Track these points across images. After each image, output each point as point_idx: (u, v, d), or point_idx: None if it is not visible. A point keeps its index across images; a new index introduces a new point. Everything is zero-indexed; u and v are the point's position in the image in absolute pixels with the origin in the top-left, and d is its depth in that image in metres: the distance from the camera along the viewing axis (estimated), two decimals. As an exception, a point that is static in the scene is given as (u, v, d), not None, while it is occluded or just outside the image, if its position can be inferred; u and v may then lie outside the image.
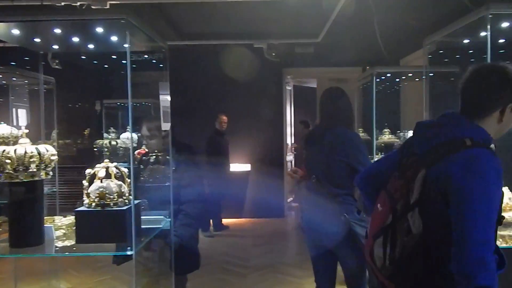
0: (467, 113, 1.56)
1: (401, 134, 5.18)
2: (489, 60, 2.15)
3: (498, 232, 2.23)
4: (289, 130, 8.76)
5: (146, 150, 3.17)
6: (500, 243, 2.33)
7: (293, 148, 8.99)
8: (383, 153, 4.68)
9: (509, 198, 2.52)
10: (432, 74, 4.35)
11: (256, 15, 5.67)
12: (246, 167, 7.86)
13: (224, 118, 6.86)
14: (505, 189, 2.51)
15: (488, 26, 2.06)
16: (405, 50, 6.01)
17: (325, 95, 2.87)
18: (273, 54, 6.84)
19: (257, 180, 7.81)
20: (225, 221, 7.28)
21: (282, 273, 4.96)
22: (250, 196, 7.91)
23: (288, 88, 8.61)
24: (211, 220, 6.93)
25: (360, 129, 5.35)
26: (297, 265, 5.15)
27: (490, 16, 2.05)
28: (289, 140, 8.78)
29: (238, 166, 7.82)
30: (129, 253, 2.17)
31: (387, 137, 5.18)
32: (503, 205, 2.45)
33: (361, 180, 1.87)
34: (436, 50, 3.35)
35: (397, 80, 5.24)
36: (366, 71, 4.35)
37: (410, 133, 4.34)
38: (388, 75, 4.56)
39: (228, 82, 7.63)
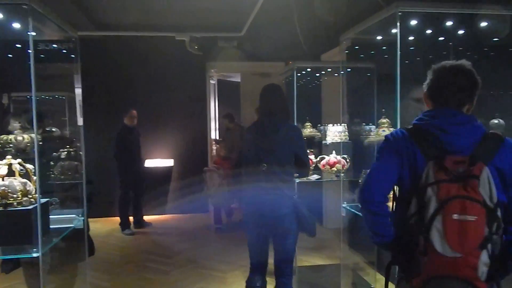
0: (461, 109, 1.72)
1: (322, 127, 5.33)
2: (398, 57, 2.26)
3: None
4: (213, 125, 8.70)
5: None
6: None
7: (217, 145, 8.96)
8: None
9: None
10: (349, 70, 4.53)
11: (178, 6, 5.53)
12: (169, 162, 7.69)
13: (134, 113, 6.56)
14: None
15: (398, 24, 2.17)
16: (326, 45, 6.20)
17: (266, 90, 3.19)
18: (196, 47, 6.74)
19: (181, 175, 7.69)
20: (147, 218, 7.07)
21: (205, 268, 4.92)
22: (173, 192, 7.77)
23: (212, 82, 8.54)
24: (131, 218, 6.71)
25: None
26: (221, 259, 5.14)
27: (399, 13, 2.15)
28: (213, 134, 8.72)
29: (160, 162, 7.63)
30: (35, 255, 2.00)
31: (308, 130, 5.31)
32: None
33: (383, 197, 1.73)
34: (352, 46, 3.48)
35: (317, 75, 5.39)
36: (287, 66, 4.43)
37: (330, 127, 4.50)
38: (309, 69, 4.67)
39: (149, 76, 7.41)
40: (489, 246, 1.52)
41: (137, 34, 6.89)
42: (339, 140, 4.34)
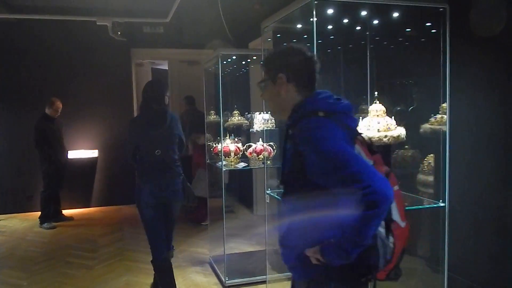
0: None
1: (249, 115, 5.34)
2: (315, 46, 2.29)
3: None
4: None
5: None
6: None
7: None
8: (232, 135, 4.77)
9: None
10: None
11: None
12: (93, 153, 7.35)
13: (58, 103, 6.19)
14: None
15: (314, 12, 2.19)
16: (254, 33, 6.20)
17: (150, 86, 3.52)
18: (119, 33, 6.44)
19: (106, 166, 7.40)
20: (71, 212, 6.74)
21: (132, 260, 4.79)
22: (98, 184, 7.46)
23: (143, 69, 8.26)
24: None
25: (212, 112, 5.37)
26: (149, 251, 4.97)
27: (315, 2, 2.18)
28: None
29: (83, 153, 7.27)
30: None
31: (236, 118, 5.30)
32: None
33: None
34: (275, 34, 3.49)
35: (243, 63, 5.38)
36: (210, 53, 4.37)
37: (257, 115, 4.51)
38: (234, 57, 4.64)
39: (69, 63, 7.01)
40: None
41: (55, 18, 6.44)
42: (266, 128, 4.37)
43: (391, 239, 1.53)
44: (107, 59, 7.15)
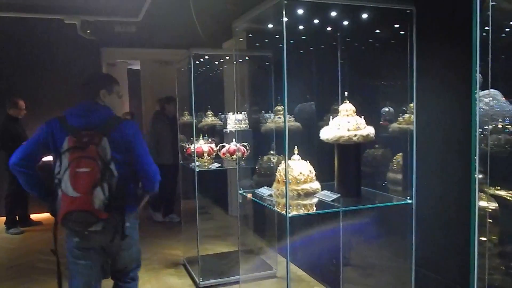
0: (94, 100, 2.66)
1: (223, 116, 5.34)
2: (285, 46, 2.30)
3: (301, 201, 2.50)
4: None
5: None
6: (303, 211, 2.59)
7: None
8: (206, 136, 4.76)
9: (310, 171, 2.79)
10: (247, 58, 4.56)
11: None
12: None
13: (22, 103, 6.03)
14: (304, 162, 2.78)
15: (284, 12, 2.20)
16: (227, 33, 6.19)
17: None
18: (88, 31, 6.32)
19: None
20: (39, 216, 6.57)
21: (105, 264, 4.70)
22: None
23: (116, 69, 8.13)
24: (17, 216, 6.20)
25: (185, 112, 5.34)
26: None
27: (285, 2, 2.19)
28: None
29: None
30: None
31: (210, 119, 5.29)
32: (304, 177, 2.73)
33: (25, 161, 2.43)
34: (247, 34, 3.50)
35: (216, 63, 5.37)
36: (184, 53, 4.34)
37: (230, 115, 4.51)
38: (207, 57, 4.62)
39: (35, 62, 6.83)
40: (105, 186, 2.23)
41: (20, 16, 6.26)
42: (239, 128, 4.38)
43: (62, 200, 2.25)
44: (76, 59, 7.00)
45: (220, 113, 5.43)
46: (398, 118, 3.05)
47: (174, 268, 4.58)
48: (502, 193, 1.66)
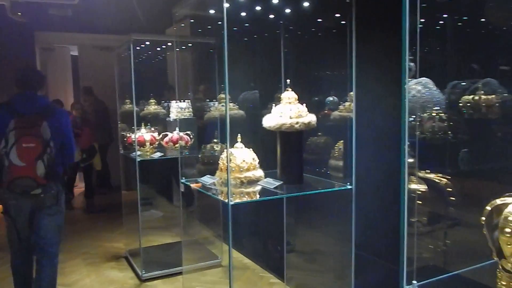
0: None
1: (166, 104, 5.22)
2: (225, 32, 2.26)
3: (244, 189, 2.50)
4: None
5: None
6: (246, 198, 2.59)
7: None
8: (149, 125, 4.64)
9: (253, 159, 2.79)
10: (191, 45, 4.47)
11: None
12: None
13: None
14: (247, 150, 2.77)
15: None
16: (170, 19, 6.04)
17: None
18: (19, 14, 5.92)
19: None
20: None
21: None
22: None
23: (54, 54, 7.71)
24: None
25: (127, 101, 5.16)
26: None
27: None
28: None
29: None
30: None
31: (153, 107, 5.16)
32: (247, 165, 2.73)
33: None
34: (189, 20, 3.42)
35: (159, 49, 5.23)
36: (123, 39, 4.17)
37: (173, 103, 4.41)
38: (148, 43, 4.48)
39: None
40: (45, 159, 2.86)
41: None
42: (182, 117, 4.30)
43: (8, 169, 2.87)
44: (8, 42, 6.55)
45: (163, 101, 5.30)
46: (339, 106, 3.13)
47: (116, 261, 4.45)
48: (431, 175, 1.74)
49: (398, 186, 2.57)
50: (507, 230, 1.16)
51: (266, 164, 2.90)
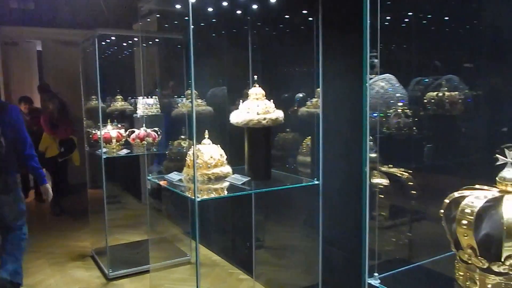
0: None
1: (133, 100, 5.13)
2: (191, 26, 2.24)
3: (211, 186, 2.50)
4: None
5: None
6: (213, 195, 2.59)
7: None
8: (115, 121, 4.55)
9: (221, 155, 2.78)
10: (157, 40, 4.41)
11: None
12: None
13: None
14: (215, 147, 2.77)
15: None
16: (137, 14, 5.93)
17: None
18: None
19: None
20: None
21: None
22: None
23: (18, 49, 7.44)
24: None
25: (93, 97, 5.04)
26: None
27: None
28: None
29: None
30: None
31: (119, 104, 5.07)
32: (215, 161, 2.72)
33: None
34: (155, 15, 3.37)
35: (125, 44, 5.13)
36: (88, 34, 4.07)
37: (140, 100, 4.35)
38: (113, 38, 4.39)
39: None
40: None
41: None
42: (150, 113, 4.25)
43: None
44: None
45: (130, 98, 5.21)
46: (307, 102, 3.15)
47: (82, 261, 4.36)
48: (394, 170, 1.78)
49: (362, 181, 2.61)
50: (464, 222, 1.19)
51: (234, 160, 2.89)
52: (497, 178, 1.28)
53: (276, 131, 3.30)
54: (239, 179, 2.61)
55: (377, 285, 1.30)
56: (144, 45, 4.27)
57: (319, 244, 2.73)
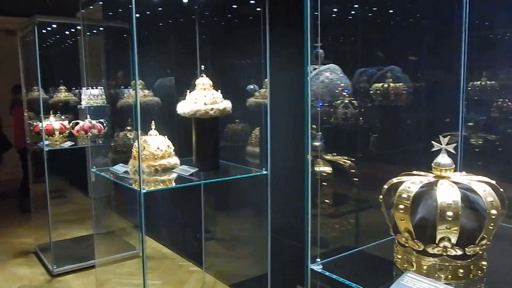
0: None
1: (77, 91, 4.93)
2: (134, 15, 2.17)
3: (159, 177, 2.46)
4: None
5: None
6: (160, 186, 2.54)
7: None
8: (59, 113, 4.36)
9: (168, 146, 2.73)
10: (102, 29, 4.25)
11: None
12: None
13: None
14: (162, 138, 2.71)
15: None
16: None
17: None
18: None
19: None
20: None
21: None
22: None
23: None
24: None
25: (35, 88, 4.79)
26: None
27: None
28: None
29: None
30: None
31: (63, 95, 4.86)
32: (161, 152, 2.67)
33: None
34: (98, 3, 3.24)
35: (67, 33, 4.91)
36: (27, 21, 3.85)
37: (84, 90, 4.19)
38: (55, 26, 4.18)
39: None
40: None
41: None
42: (95, 104, 4.10)
43: None
44: None
45: (74, 88, 5.00)
46: (255, 93, 3.15)
47: (25, 257, 4.17)
48: (337, 157, 1.82)
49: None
50: (401, 206, 1.24)
51: (182, 152, 2.85)
52: (432, 164, 1.34)
53: (225, 122, 3.28)
54: (186, 170, 2.58)
55: (319, 270, 1.33)
56: (88, 33, 4.10)
57: (268, 234, 2.75)
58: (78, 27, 4.59)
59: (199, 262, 3.78)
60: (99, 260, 3.69)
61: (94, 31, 4.04)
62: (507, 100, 1.93)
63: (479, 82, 2.02)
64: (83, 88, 4.14)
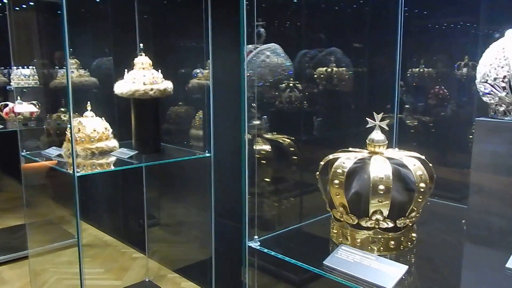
0: None
1: (6, 71, 4.62)
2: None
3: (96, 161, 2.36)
4: None
5: None
6: (98, 170, 2.44)
7: None
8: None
9: (106, 128, 2.62)
10: (33, 3, 3.99)
11: None
12: None
13: None
14: (99, 119, 2.60)
15: None
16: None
17: None
18: None
19: None
20: None
21: None
22: None
23: None
24: None
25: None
26: None
27: None
28: None
29: None
30: None
31: (-9, 76, 4.54)
32: (98, 135, 2.56)
33: None
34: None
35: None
36: None
37: (14, 70, 3.92)
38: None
39: None
40: None
41: None
42: (27, 85, 3.86)
43: None
44: None
45: (3, 68, 4.67)
46: (198, 74, 3.09)
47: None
48: (277, 136, 1.83)
49: (249, 151, 2.66)
50: (336, 181, 1.25)
51: (122, 134, 2.75)
52: (366, 140, 1.37)
53: (168, 105, 3.19)
54: (126, 153, 2.49)
55: (257, 247, 1.33)
56: (17, 8, 3.83)
57: (211, 217, 2.73)
58: (5, 1, 4.27)
59: (142, 249, 3.69)
60: (33, 250, 3.51)
61: (24, 6, 3.79)
62: (443, 87, 2.02)
63: (417, 69, 2.10)
64: (13, 67, 3.87)
